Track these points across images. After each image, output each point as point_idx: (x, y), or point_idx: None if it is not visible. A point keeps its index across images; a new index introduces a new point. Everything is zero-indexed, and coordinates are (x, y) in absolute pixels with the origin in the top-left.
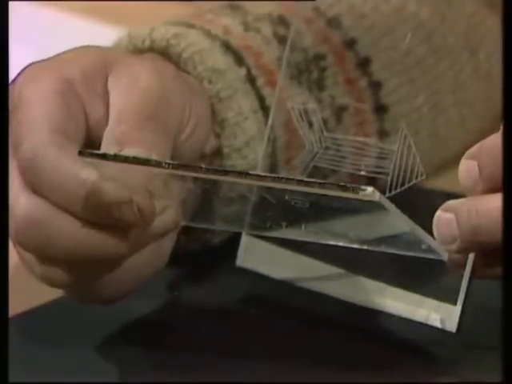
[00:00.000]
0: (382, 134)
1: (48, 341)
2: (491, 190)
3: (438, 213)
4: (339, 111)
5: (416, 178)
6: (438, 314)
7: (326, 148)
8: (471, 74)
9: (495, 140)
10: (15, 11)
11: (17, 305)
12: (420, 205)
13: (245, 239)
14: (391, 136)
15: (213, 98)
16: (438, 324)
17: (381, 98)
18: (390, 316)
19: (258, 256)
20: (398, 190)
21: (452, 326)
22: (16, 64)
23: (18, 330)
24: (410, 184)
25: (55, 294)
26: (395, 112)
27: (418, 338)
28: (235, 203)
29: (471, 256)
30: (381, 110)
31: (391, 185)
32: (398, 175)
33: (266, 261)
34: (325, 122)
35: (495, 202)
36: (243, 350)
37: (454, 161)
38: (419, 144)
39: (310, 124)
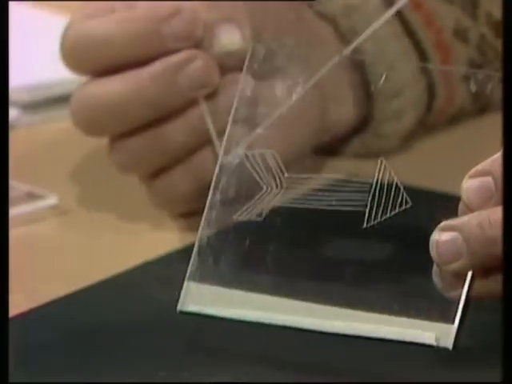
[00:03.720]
0: None
1: (48, 340)
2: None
3: (436, 234)
4: (497, 26)
5: (400, 206)
6: (433, 333)
7: (288, 188)
8: None
9: None
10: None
11: (17, 305)
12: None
13: (187, 284)
14: None
15: None
16: (433, 342)
17: None
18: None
19: (203, 298)
20: (380, 220)
21: (448, 343)
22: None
23: (19, 329)
24: (393, 213)
25: (55, 294)
26: None
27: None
28: None
29: (469, 274)
30: None
31: (370, 216)
32: (378, 207)
33: (213, 302)
34: (482, 38)
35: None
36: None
37: None
38: None
39: (268, 169)
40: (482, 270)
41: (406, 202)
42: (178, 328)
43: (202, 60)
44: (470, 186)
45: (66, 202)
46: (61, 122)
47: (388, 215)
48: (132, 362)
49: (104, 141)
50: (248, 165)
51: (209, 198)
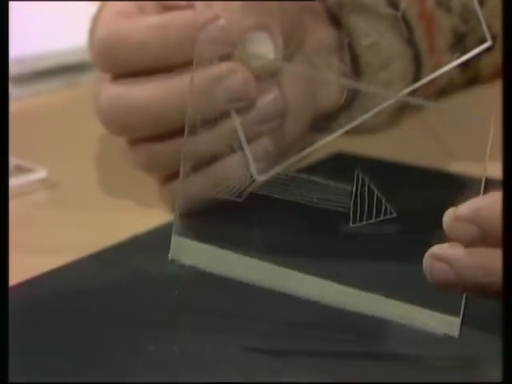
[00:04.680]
0: None
1: (35, 314)
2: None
3: (429, 260)
4: None
5: (384, 215)
6: (440, 324)
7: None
8: None
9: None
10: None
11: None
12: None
13: (175, 239)
14: None
15: None
16: (440, 331)
17: None
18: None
19: (194, 253)
20: (364, 223)
21: (454, 333)
22: None
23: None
24: (377, 220)
25: (43, 267)
26: None
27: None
28: None
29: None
30: None
31: (354, 218)
32: (361, 213)
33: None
34: (465, 6)
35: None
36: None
37: None
38: None
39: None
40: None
41: (391, 213)
42: (166, 302)
43: (241, 73)
44: (456, 229)
45: (55, 176)
46: (50, 96)
47: (373, 221)
48: (121, 337)
49: (91, 116)
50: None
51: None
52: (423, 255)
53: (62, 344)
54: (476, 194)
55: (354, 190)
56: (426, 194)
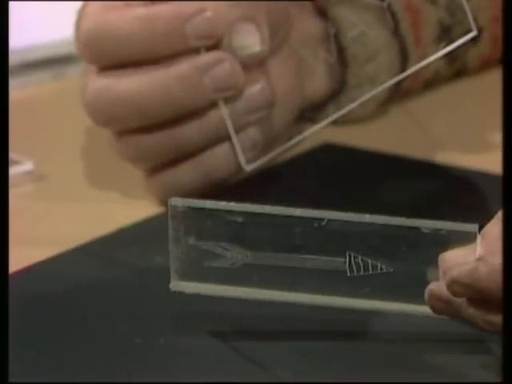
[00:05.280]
0: None
1: (21, 307)
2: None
3: (429, 297)
4: None
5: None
6: None
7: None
8: None
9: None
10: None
11: None
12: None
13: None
14: None
15: None
16: None
17: None
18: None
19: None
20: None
21: None
22: None
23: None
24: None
25: (30, 260)
26: None
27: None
28: None
29: None
30: None
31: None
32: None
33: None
34: None
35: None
36: None
37: None
38: None
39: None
40: None
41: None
42: (153, 294)
43: (229, 63)
44: (451, 288)
45: (42, 168)
46: (37, 88)
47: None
48: (107, 329)
49: (77, 108)
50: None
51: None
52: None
53: (46, 337)
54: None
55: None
56: (412, 184)
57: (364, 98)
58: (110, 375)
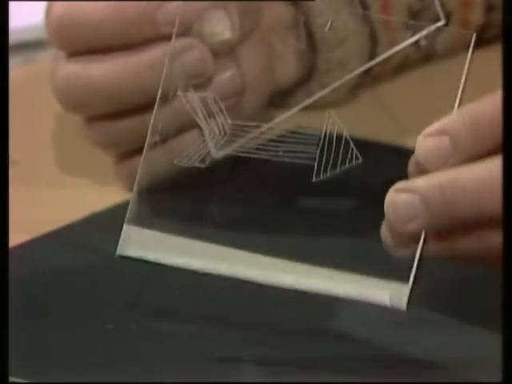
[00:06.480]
0: None
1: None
2: (462, 163)
3: (392, 195)
4: None
5: (350, 162)
6: (387, 293)
7: (232, 136)
8: None
9: (474, 109)
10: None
11: None
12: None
13: (127, 228)
14: None
15: None
16: (387, 303)
17: None
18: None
19: (143, 243)
20: (329, 175)
21: (402, 304)
22: None
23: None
24: (343, 168)
25: None
26: None
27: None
28: None
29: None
30: None
31: (318, 170)
32: (327, 161)
33: (154, 248)
34: None
35: (471, 172)
36: None
37: None
38: None
39: (210, 112)
40: (439, 231)
41: (357, 158)
42: (125, 279)
43: (198, 50)
44: (426, 145)
45: (13, 154)
46: (10, 72)
47: (337, 170)
48: (79, 315)
49: (48, 93)
50: (188, 106)
51: (147, 140)
52: (377, 230)
53: (19, 323)
54: None
55: (323, 131)
56: (381, 169)
57: (336, 84)
58: (85, 361)
